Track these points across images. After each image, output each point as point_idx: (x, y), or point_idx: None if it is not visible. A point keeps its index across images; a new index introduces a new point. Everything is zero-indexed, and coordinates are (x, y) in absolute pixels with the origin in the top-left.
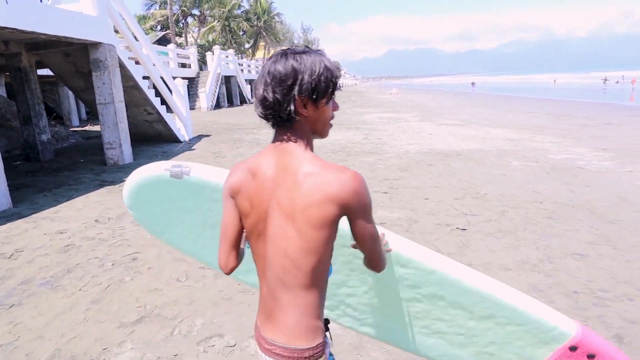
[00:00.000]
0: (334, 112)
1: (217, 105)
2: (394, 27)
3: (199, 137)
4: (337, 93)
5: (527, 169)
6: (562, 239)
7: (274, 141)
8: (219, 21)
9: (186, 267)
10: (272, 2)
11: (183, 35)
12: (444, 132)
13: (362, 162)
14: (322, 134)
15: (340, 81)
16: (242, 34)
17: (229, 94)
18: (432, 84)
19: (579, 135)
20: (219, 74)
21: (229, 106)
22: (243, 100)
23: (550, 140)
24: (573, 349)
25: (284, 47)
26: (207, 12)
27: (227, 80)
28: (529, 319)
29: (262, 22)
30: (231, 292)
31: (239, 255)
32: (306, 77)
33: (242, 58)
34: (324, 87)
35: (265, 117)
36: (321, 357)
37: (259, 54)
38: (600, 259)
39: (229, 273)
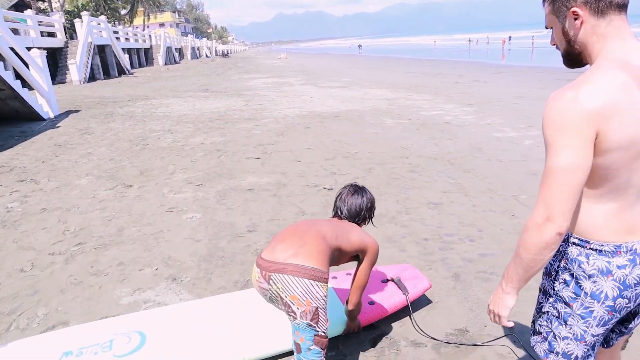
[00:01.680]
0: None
1: (92, 78)
2: None
3: (67, 113)
4: (223, 60)
5: (399, 127)
6: (421, 190)
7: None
8: None
9: (33, 255)
10: None
11: None
12: (325, 94)
13: (239, 129)
14: None
15: (229, 47)
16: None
17: (105, 65)
18: (322, 47)
19: (450, 92)
20: (91, 43)
21: (105, 78)
22: (121, 71)
23: (424, 98)
24: None
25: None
26: None
27: (102, 49)
28: None
29: None
30: (82, 276)
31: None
32: (372, 209)
33: (118, 25)
34: (373, 216)
35: (348, 218)
36: None
37: (138, 20)
38: (451, 206)
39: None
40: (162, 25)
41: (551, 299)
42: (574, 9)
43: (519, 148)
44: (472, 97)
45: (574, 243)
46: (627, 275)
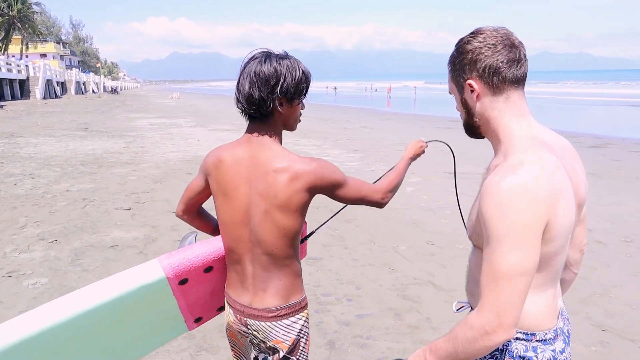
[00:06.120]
0: (302, 111)
1: None
2: (176, 30)
3: None
4: (111, 97)
5: None
6: None
7: (248, 132)
8: None
9: None
10: None
11: None
12: (214, 137)
13: (113, 175)
14: (292, 128)
15: (119, 84)
16: None
17: None
18: (217, 88)
19: (337, 138)
20: None
21: None
22: None
23: (312, 143)
24: (183, 282)
25: (264, 49)
26: None
27: None
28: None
29: (15, 12)
30: None
31: (190, 214)
32: (287, 80)
33: None
34: (300, 89)
35: (246, 112)
36: (305, 307)
37: (14, 48)
38: (330, 261)
39: (178, 216)
40: (43, 56)
41: None
42: (469, 81)
43: (400, 195)
44: (359, 143)
45: (517, 339)
46: (567, 357)
